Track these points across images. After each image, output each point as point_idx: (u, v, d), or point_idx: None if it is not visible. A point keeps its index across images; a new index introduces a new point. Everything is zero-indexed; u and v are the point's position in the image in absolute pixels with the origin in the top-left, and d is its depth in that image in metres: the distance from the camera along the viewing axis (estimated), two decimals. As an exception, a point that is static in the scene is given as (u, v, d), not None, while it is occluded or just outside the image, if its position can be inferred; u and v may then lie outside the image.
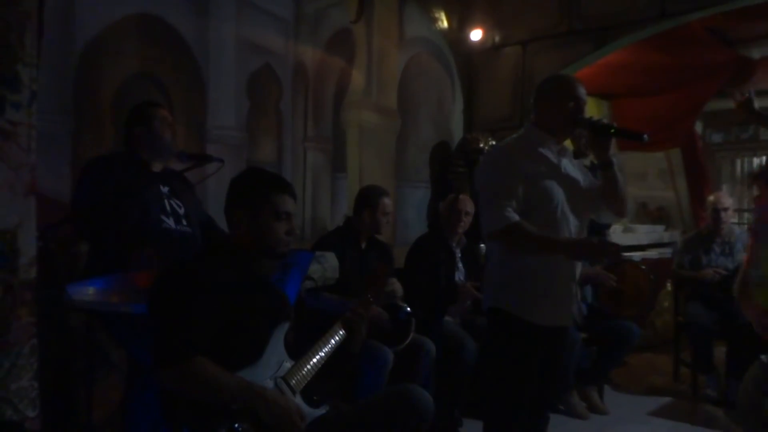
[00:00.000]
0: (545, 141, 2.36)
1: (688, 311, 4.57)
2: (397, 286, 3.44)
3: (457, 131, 5.40)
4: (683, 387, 4.69)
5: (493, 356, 2.44)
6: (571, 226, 2.33)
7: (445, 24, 5.23)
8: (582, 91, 2.34)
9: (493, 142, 5.05)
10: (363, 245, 3.53)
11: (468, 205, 3.98)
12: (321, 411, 1.95)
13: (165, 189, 2.71)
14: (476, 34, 5.30)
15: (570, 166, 2.41)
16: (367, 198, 3.55)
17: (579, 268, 2.40)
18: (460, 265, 3.99)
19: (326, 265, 2.80)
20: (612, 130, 2.24)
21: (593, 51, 4.84)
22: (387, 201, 3.53)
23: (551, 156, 2.35)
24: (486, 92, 5.43)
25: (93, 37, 3.25)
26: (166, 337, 1.73)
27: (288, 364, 1.93)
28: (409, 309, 3.39)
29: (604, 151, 2.30)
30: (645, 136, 2.19)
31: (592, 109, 6.19)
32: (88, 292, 2.19)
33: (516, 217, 2.20)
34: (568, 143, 2.50)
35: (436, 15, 5.22)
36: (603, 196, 2.39)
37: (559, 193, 2.30)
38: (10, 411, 1.40)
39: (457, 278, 3.92)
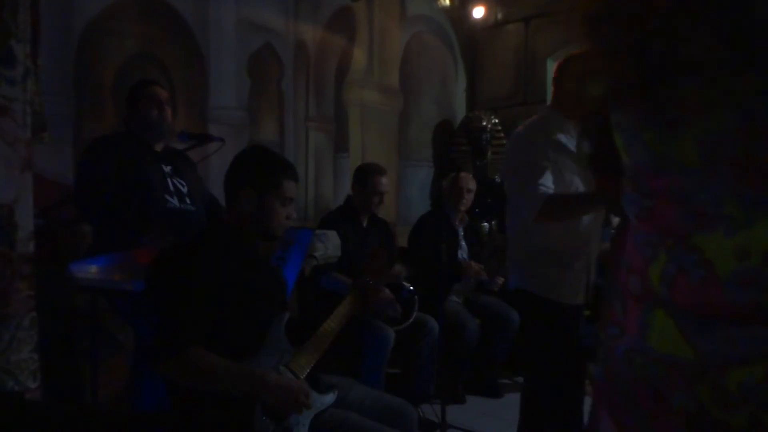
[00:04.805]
0: (564, 125, 2.33)
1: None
2: (397, 271, 3.44)
3: (460, 109, 5.38)
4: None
5: (527, 335, 2.49)
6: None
7: (447, 1, 5.19)
8: None
9: (496, 120, 5.03)
10: (364, 223, 3.53)
11: (470, 182, 3.98)
12: (330, 398, 1.92)
13: (168, 168, 2.72)
14: (478, 12, 5.25)
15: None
16: (360, 176, 3.55)
17: (596, 246, 2.39)
18: (463, 243, 4.00)
19: (328, 244, 2.81)
20: None
21: (596, 27, 4.79)
22: (380, 179, 3.49)
23: (569, 141, 2.33)
24: (489, 70, 5.39)
25: (93, 18, 3.25)
26: (163, 329, 1.71)
27: (290, 353, 1.91)
28: (411, 288, 3.40)
29: None
30: None
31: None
32: (90, 270, 2.20)
33: (549, 191, 2.19)
34: None
35: (439, -8, 5.18)
36: None
37: (576, 179, 2.30)
38: (12, 382, 1.42)
39: (459, 256, 3.93)
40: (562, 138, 2.32)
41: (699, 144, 0.72)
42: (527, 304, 2.42)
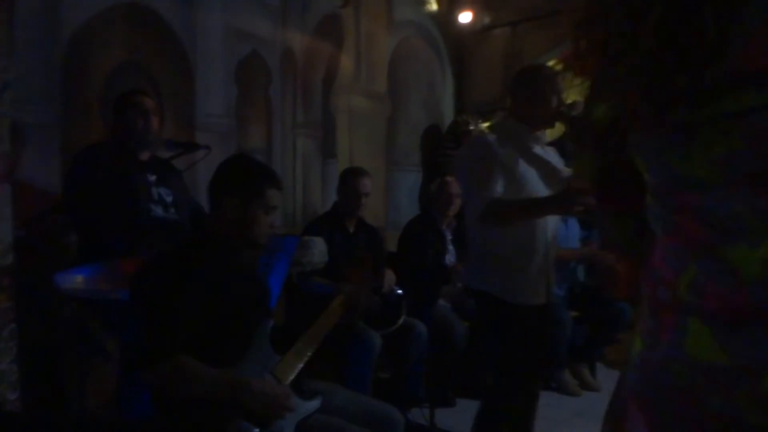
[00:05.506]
0: (521, 132, 2.40)
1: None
2: (389, 277, 3.45)
3: (448, 114, 5.40)
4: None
5: (482, 336, 2.52)
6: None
7: (434, 6, 5.22)
8: (561, 84, 2.37)
9: (484, 125, 5.06)
10: (351, 229, 3.55)
11: (458, 187, 4.00)
12: (314, 404, 1.93)
13: (152, 177, 2.73)
14: (465, 17, 5.28)
15: (544, 154, 2.45)
16: (342, 179, 3.59)
17: (553, 247, 2.45)
18: (451, 247, 4.01)
19: (314, 250, 2.82)
20: None
21: (582, 30, 4.82)
22: (360, 181, 3.51)
23: (526, 146, 2.39)
24: (476, 74, 5.42)
25: (80, 27, 3.26)
26: (148, 336, 1.74)
27: (274, 360, 1.92)
28: (400, 291, 3.42)
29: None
30: None
31: (585, 88, 6.17)
32: (76, 280, 2.22)
33: (495, 194, 2.24)
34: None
35: (425, -2, 5.21)
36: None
37: (534, 182, 2.36)
38: (-9, 393, 1.43)
39: (447, 260, 3.94)
40: (520, 142, 2.38)
41: (714, 162, 0.73)
42: (485, 306, 2.45)
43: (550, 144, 2.59)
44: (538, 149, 2.43)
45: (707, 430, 0.77)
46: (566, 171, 2.48)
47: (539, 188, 2.35)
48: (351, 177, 3.54)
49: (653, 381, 0.84)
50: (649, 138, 0.79)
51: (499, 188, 2.25)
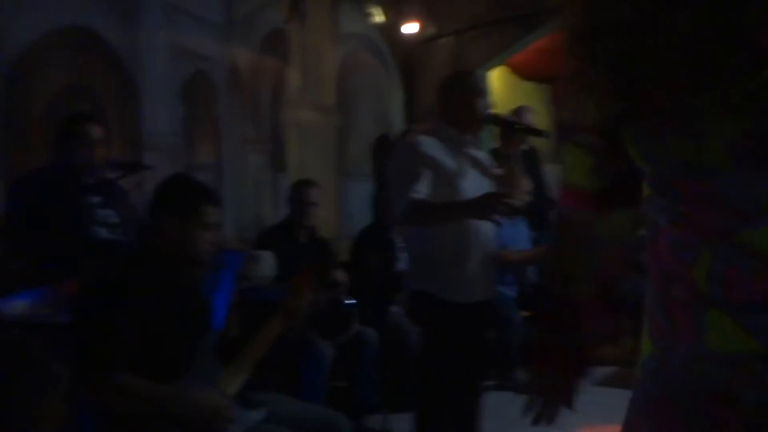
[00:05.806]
0: (449, 134, 2.45)
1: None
2: (341, 277, 3.49)
3: (398, 123, 5.47)
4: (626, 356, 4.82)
5: (424, 337, 2.55)
6: None
7: (380, 18, 5.29)
8: (487, 87, 2.45)
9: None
10: (302, 240, 3.59)
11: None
12: (257, 414, 1.97)
13: (96, 199, 2.74)
14: (411, 27, 5.37)
15: (474, 156, 2.51)
16: (291, 191, 3.68)
17: (490, 243, 2.50)
18: (403, 254, 4.06)
19: (262, 264, 2.86)
20: (516, 126, 2.39)
21: (523, 37, 4.95)
22: (306, 191, 3.60)
23: (455, 147, 2.45)
24: (424, 83, 5.50)
25: (21, 52, 3.25)
26: (86, 355, 1.76)
27: (220, 373, 1.95)
28: (353, 301, 3.46)
29: (508, 144, 2.45)
30: (545, 132, 2.36)
31: (532, 95, 6.32)
32: (18, 306, 2.22)
33: (418, 196, 2.28)
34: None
35: (371, 10, 5.28)
36: (503, 184, 2.49)
37: (467, 182, 2.41)
38: None
39: (399, 268, 3.99)
40: (448, 144, 2.42)
41: (727, 147, 0.72)
42: (422, 306, 2.47)
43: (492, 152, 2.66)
44: (469, 151, 2.48)
45: (744, 428, 0.74)
46: (498, 171, 2.55)
47: (472, 188, 2.39)
48: (299, 188, 3.62)
49: (673, 386, 0.80)
50: (655, 128, 0.77)
51: (423, 189, 2.29)
